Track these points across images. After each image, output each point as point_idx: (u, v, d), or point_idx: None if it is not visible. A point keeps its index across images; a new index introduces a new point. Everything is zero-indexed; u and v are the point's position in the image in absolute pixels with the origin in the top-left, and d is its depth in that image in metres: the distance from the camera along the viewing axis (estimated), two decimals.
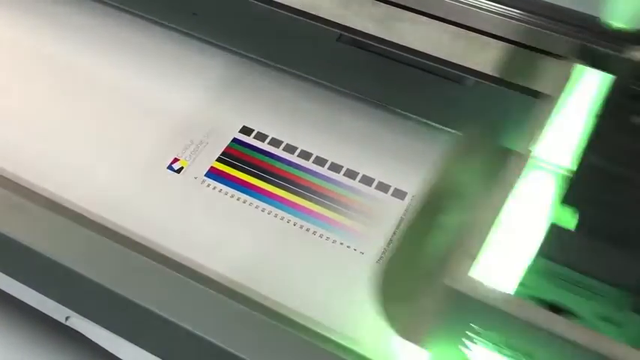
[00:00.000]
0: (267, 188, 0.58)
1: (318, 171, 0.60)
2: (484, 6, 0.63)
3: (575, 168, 0.44)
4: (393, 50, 0.64)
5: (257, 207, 0.57)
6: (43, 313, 0.59)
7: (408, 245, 0.54)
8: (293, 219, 0.57)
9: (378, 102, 0.63)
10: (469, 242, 0.43)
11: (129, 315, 0.53)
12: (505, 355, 0.44)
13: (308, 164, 0.60)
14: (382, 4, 0.66)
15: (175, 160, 0.61)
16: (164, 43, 0.70)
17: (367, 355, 0.49)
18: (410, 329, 0.49)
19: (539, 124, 0.46)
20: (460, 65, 0.62)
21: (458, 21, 0.64)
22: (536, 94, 0.56)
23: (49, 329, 0.61)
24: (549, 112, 0.47)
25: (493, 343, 0.43)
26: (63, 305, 0.58)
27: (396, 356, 0.49)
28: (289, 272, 0.54)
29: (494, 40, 0.63)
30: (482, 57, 0.62)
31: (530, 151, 0.45)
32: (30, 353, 0.61)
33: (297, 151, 0.61)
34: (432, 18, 0.65)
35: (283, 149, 0.61)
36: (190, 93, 0.66)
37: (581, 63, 0.50)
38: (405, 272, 0.53)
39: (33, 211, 0.56)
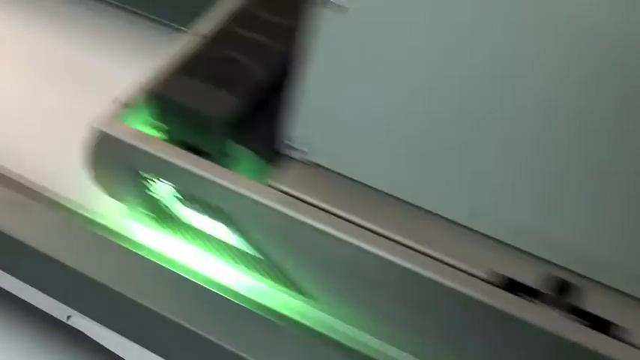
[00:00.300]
0: None
1: None
2: None
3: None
4: None
5: None
6: (45, 312, 0.59)
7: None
8: None
9: None
10: (123, 94, 0.50)
11: (130, 314, 0.53)
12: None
13: None
14: None
15: None
16: (166, 42, 0.70)
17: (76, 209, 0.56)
18: (112, 188, 0.54)
19: (212, 9, 0.55)
20: None
21: None
22: None
23: (51, 328, 0.61)
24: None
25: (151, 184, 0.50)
26: (64, 304, 0.58)
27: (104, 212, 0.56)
28: None
29: None
30: None
31: (199, 29, 0.53)
32: (31, 352, 0.61)
33: None
34: None
35: None
36: None
37: None
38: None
39: (34, 210, 0.56)
